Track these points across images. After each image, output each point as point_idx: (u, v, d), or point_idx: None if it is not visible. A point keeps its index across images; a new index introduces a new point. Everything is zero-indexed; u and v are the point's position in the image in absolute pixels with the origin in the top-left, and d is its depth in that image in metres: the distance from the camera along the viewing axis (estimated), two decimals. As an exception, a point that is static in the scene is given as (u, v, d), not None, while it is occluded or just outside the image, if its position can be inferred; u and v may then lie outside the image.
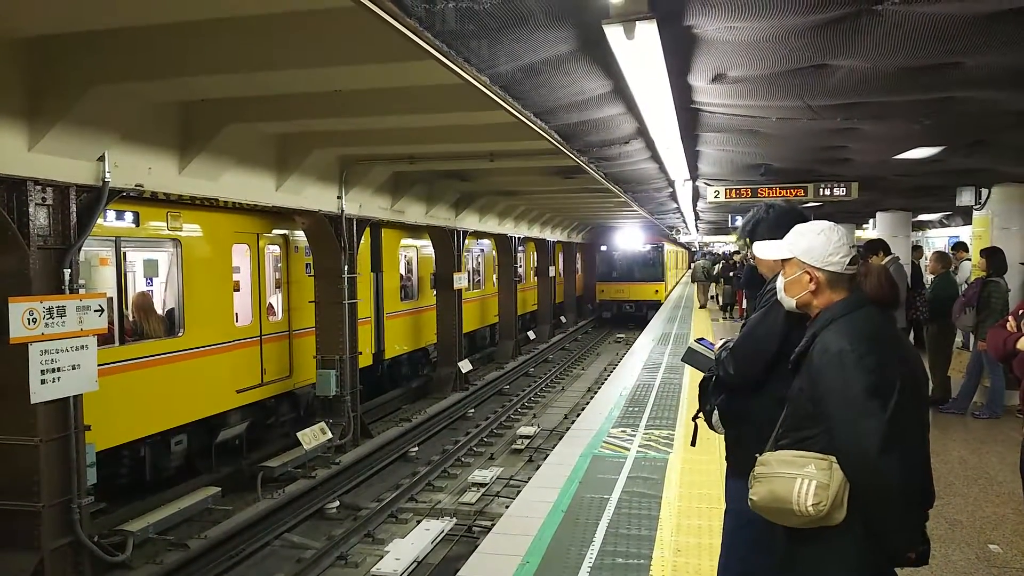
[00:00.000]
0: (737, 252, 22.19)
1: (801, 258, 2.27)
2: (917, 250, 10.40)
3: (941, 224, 18.91)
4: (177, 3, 4.38)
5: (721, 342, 2.91)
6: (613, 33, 3.35)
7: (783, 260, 2.34)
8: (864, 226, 19.95)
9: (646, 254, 28.35)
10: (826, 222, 2.32)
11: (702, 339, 3.10)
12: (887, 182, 10.39)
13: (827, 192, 10.06)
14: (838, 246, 2.22)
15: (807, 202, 10.90)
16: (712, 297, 23.25)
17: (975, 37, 3.66)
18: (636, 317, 26.63)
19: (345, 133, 8.12)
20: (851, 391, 2.03)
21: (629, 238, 27.77)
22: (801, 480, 2.03)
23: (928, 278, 9.19)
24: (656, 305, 25.67)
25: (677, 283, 36.36)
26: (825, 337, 2.15)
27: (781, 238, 2.39)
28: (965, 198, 10.05)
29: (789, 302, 2.34)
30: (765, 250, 2.62)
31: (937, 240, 19.78)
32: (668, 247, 30.45)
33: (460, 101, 5.90)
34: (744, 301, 16.83)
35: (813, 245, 2.25)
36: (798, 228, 2.33)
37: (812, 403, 2.12)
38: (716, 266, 24.55)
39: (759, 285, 2.85)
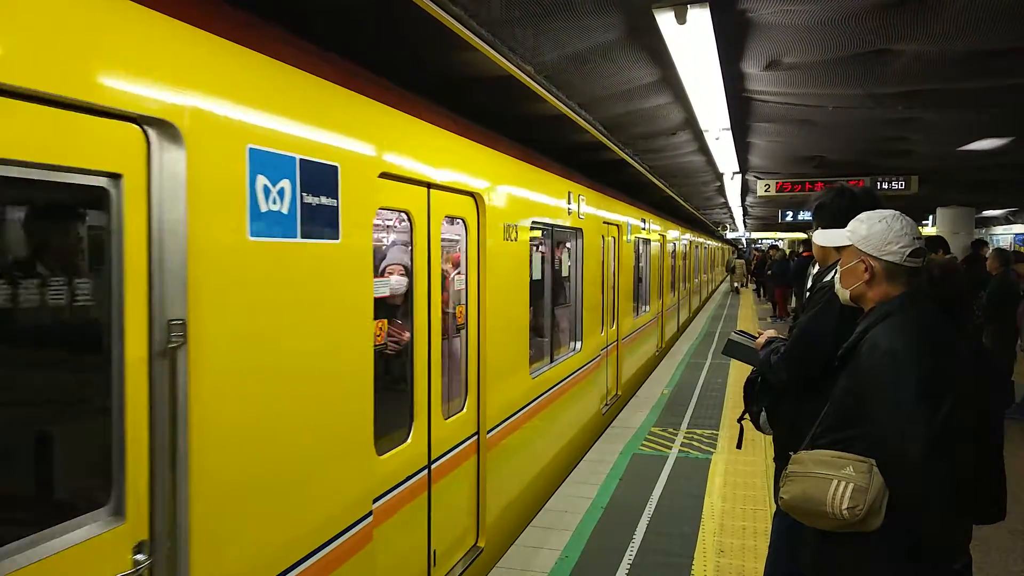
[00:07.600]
0: (774, 247, 22.11)
1: (858, 246, 2.14)
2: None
3: (1007, 220, 18.03)
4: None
5: (765, 340, 2.83)
6: (663, 18, 3.27)
7: (840, 248, 2.23)
8: (923, 222, 19.19)
9: None
10: (891, 210, 2.18)
11: (742, 331, 3.05)
12: (949, 176, 9.95)
13: (885, 186, 9.69)
14: (899, 235, 2.08)
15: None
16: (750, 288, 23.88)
17: (1054, 18, 3.44)
18: None
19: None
20: (901, 393, 1.90)
21: None
22: (838, 482, 1.93)
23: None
24: None
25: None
26: (877, 333, 2.02)
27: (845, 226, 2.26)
28: (1034, 193, 9.56)
29: (844, 293, 2.23)
30: (824, 237, 2.52)
31: (1004, 238, 18.91)
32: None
33: (504, 94, 5.81)
34: (782, 301, 16.27)
35: (872, 232, 2.12)
36: (861, 215, 2.20)
37: (856, 402, 2.01)
38: (737, 260, 27.42)
39: (804, 278, 2.76)
